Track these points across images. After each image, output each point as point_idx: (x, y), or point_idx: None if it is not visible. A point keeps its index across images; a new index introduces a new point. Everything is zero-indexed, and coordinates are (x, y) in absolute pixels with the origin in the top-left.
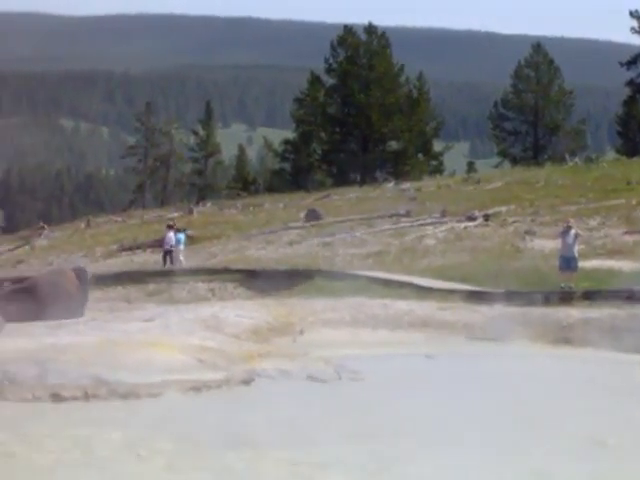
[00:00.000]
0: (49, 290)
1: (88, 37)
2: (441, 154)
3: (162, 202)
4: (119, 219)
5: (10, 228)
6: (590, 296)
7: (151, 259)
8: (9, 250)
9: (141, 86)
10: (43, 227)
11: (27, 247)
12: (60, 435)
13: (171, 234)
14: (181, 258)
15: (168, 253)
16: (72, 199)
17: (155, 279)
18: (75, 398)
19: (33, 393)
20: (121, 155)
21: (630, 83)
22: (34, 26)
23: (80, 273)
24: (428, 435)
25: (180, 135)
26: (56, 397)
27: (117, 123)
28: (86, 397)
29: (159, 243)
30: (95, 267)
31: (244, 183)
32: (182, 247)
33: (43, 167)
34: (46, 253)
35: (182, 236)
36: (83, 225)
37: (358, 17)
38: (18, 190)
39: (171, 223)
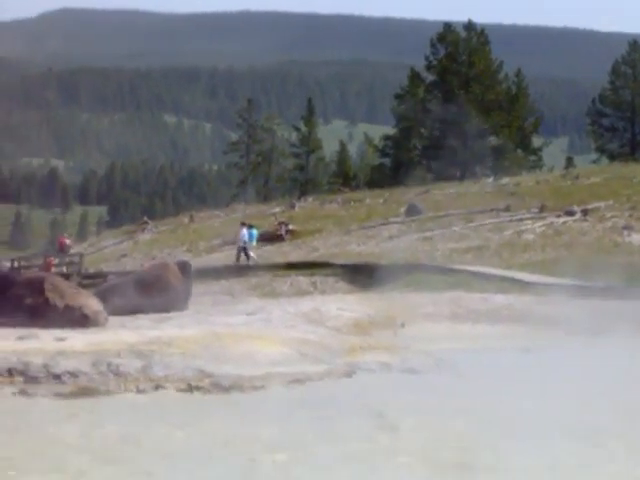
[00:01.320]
0: (153, 284)
1: (191, 34)
2: (540, 149)
3: (264, 197)
4: (221, 214)
5: (114, 223)
6: None
7: (252, 253)
8: (113, 244)
9: (243, 82)
10: (147, 222)
11: (131, 242)
12: (160, 426)
13: (244, 231)
14: (251, 254)
15: (242, 249)
16: (175, 194)
17: (257, 273)
18: (179, 390)
19: (137, 386)
20: (224, 151)
21: None
22: (136, 23)
23: (184, 267)
24: (541, 429)
25: (282, 131)
26: (160, 389)
27: (219, 119)
28: (190, 389)
29: (262, 237)
30: (198, 261)
31: (345, 178)
32: (254, 243)
33: (147, 163)
34: (149, 247)
35: (254, 232)
36: (186, 220)
37: (457, 15)
38: (122, 185)
39: (244, 221)
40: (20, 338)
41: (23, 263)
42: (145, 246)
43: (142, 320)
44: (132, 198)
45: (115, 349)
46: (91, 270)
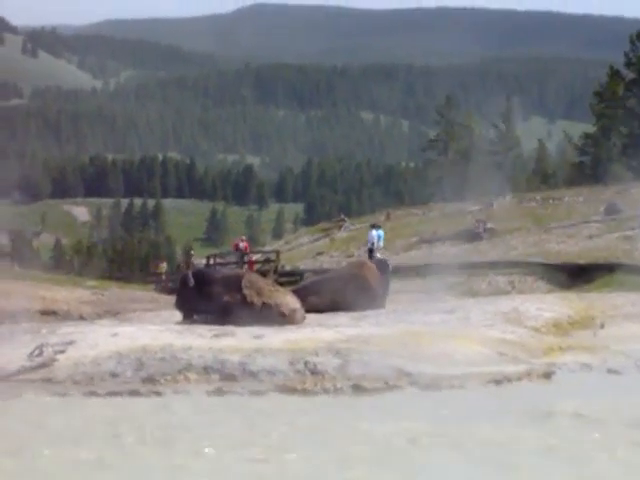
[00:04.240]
0: (350, 282)
1: (388, 31)
2: None
3: (462, 195)
4: (419, 212)
5: (310, 220)
6: None
7: (450, 252)
8: (309, 242)
9: (441, 79)
10: (343, 219)
11: (327, 239)
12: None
13: (373, 232)
14: (378, 255)
15: (369, 251)
16: (371, 191)
17: (454, 272)
18: (376, 389)
19: (335, 384)
20: (422, 148)
21: None
22: (333, 20)
23: (381, 265)
24: None
25: (480, 128)
26: (357, 388)
27: (417, 116)
28: (388, 388)
29: (460, 236)
30: (395, 259)
31: (543, 176)
32: (381, 244)
33: (343, 160)
34: (346, 245)
35: (381, 233)
36: (383, 218)
37: None
38: (318, 183)
39: (373, 222)
40: (216, 335)
41: (218, 260)
42: (342, 244)
43: (339, 318)
44: (328, 195)
45: (312, 347)
46: (287, 268)
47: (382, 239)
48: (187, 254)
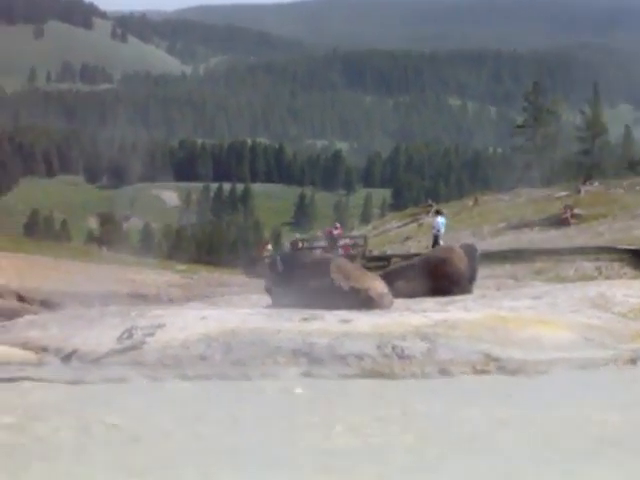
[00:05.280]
0: (439, 267)
1: (476, 17)
2: None
3: (549, 181)
4: (506, 197)
5: (398, 205)
6: None
7: (537, 237)
8: (397, 227)
9: (528, 65)
10: (431, 205)
11: (415, 224)
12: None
13: (438, 219)
14: (441, 242)
15: (435, 237)
16: (459, 177)
17: (542, 257)
18: (463, 373)
19: (422, 369)
20: (510, 134)
21: None
22: (419, 6)
23: (469, 250)
24: None
25: (567, 115)
26: (444, 372)
27: (504, 102)
28: (475, 372)
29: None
30: (483, 245)
31: (630, 163)
32: (442, 230)
33: (430, 145)
34: None
35: (444, 220)
36: (470, 203)
37: None
38: (406, 168)
39: (438, 209)
40: (305, 319)
41: (306, 245)
42: (429, 229)
43: (427, 303)
44: (416, 181)
45: (400, 332)
46: (375, 252)
47: (444, 225)
48: (294, 242)
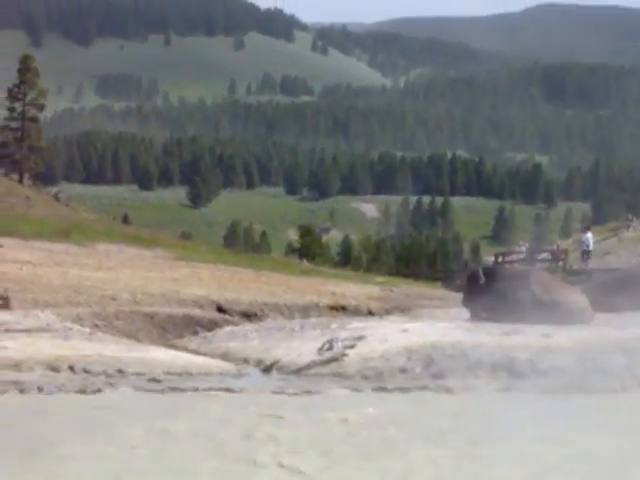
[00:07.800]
0: None
1: None
2: None
3: None
4: None
5: (598, 219)
6: None
7: None
8: (597, 241)
9: None
10: (631, 219)
11: (615, 239)
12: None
13: (588, 235)
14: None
15: (585, 253)
16: None
17: None
18: None
19: (622, 383)
20: None
21: None
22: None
23: None
24: None
25: None
26: None
27: None
28: None
29: None
30: None
31: None
32: (591, 246)
33: (631, 159)
34: (635, 245)
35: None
36: None
37: None
38: (606, 182)
39: (587, 225)
40: (506, 333)
41: (506, 258)
42: (630, 243)
43: (630, 318)
44: (616, 194)
45: (600, 346)
46: (575, 267)
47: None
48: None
